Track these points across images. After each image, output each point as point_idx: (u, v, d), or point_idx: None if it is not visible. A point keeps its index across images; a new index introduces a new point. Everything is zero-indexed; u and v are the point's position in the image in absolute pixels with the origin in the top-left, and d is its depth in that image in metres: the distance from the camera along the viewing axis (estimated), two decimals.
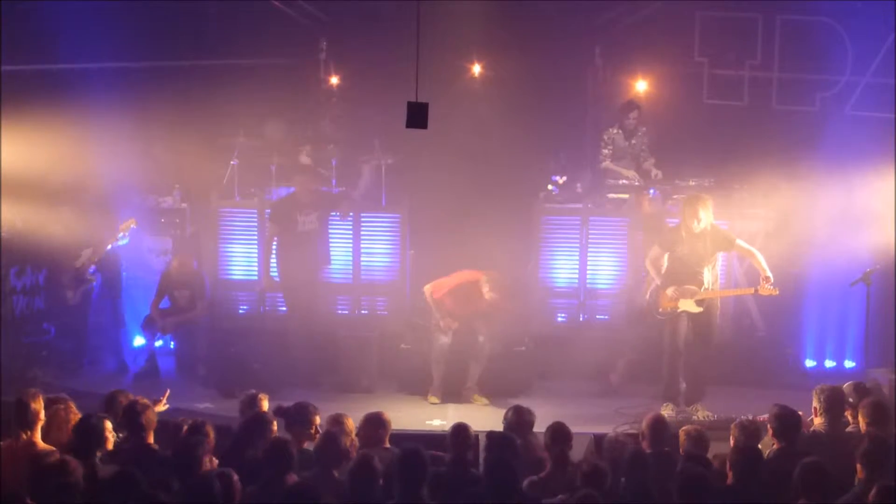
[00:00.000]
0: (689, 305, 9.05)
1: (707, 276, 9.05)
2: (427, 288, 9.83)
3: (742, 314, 10.36)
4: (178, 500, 5.49)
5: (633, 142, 11.14)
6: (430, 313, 9.79)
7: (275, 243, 10.27)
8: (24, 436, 6.39)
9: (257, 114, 11.56)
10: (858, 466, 5.84)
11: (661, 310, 9.19)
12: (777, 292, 9.04)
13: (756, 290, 9.12)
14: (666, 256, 9.18)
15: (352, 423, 6.80)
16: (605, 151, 11.14)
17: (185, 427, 6.61)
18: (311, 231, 10.26)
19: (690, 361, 9.25)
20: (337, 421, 6.74)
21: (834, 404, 6.87)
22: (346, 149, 11.27)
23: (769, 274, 8.92)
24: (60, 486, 5.37)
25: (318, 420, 6.84)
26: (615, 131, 11.15)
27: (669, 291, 8.99)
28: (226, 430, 6.90)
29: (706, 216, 8.94)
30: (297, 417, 6.80)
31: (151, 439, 6.54)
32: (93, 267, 10.33)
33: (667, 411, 8.95)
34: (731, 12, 12.10)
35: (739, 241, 9.14)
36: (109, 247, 10.33)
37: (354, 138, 11.38)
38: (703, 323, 9.15)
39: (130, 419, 6.52)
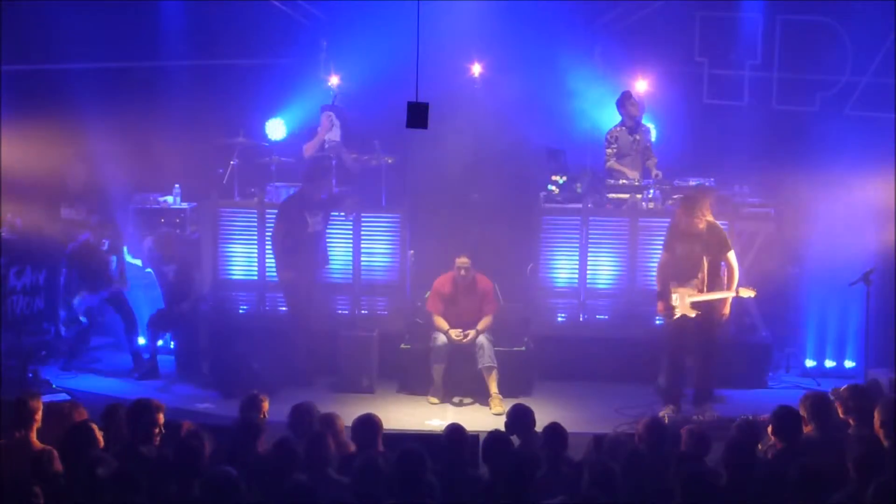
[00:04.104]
0: (685, 310, 9.06)
1: (704, 277, 9.05)
2: (428, 310, 10.01)
3: (742, 314, 10.35)
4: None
5: (638, 137, 11.14)
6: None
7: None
8: (19, 434, 6.39)
9: (257, 114, 11.59)
10: (851, 469, 5.84)
11: (659, 314, 9.21)
12: (754, 293, 9.18)
13: (737, 293, 9.13)
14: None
15: (342, 423, 6.82)
16: (610, 151, 11.14)
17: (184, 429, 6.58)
18: (319, 232, 10.28)
19: (697, 364, 9.26)
20: (328, 421, 6.76)
21: (820, 410, 6.84)
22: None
23: (733, 289, 9.08)
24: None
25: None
26: (619, 129, 11.16)
27: (672, 298, 9.04)
28: (226, 430, 6.88)
29: (702, 215, 8.97)
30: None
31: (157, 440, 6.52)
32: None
33: (666, 413, 8.96)
34: (731, 12, 12.10)
35: (731, 254, 9.18)
36: None
37: (354, 138, 11.37)
38: (706, 324, 9.15)
39: (140, 419, 6.49)
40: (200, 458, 5.90)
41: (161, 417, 6.47)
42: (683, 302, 9.03)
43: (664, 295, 9.20)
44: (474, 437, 6.66)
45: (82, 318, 10.54)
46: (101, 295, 10.53)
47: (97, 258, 10.52)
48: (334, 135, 11.10)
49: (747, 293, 9.16)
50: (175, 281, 10.50)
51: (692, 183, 10.62)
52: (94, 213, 10.83)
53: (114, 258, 10.59)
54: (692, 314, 9.04)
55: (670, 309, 9.10)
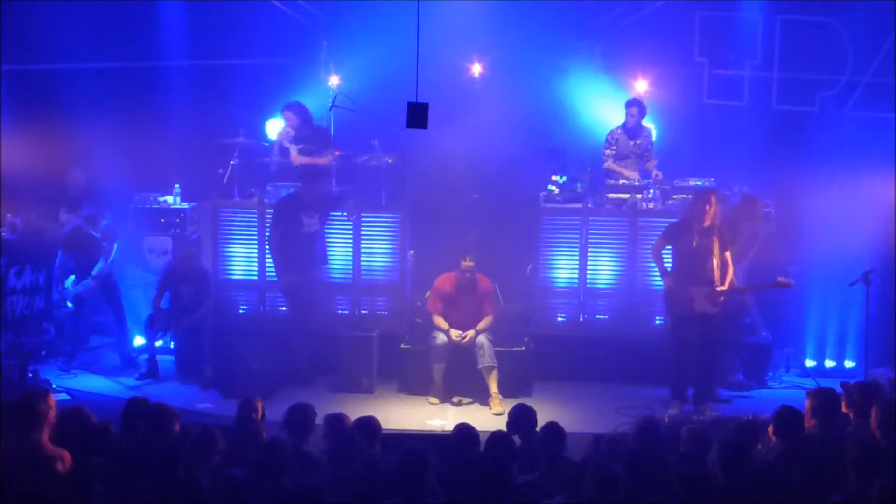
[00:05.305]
0: (705, 307, 9.08)
1: (716, 273, 9.12)
2: (428, 310, 10.01)
3: (742, 313, 10.36)
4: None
5: (639, 141, 11.17)
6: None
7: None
8: (30, 436, 6.35)
9: (257, 114, 11.59)
10: (850, 468, 5.84)
11: (677, 309, 9.24)
12: (793, 283, 9.41)
13: (776, 284, 9.32)
14: (671, 251, 9.37)
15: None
16: (608, 151, 11.17)
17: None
18: (316, 232, 10.27)
19: (700, 361, 9.28)
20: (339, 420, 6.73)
21: (827, 406, 6.85)
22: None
23: (723, 287, 9.22)
24: None
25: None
26: (619, 131, 11.18)
27: (693, 292, 9.11)
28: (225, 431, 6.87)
29: (714, 211, 9.10)
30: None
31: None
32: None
33: (673, 410, 8.98)
34: (731, 12, 12.11)
35: (728, 253, 9.32)
36: None
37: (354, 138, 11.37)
38: (714, 322, 9.20)
39: (156, 422, 6.45)
40: (209, 459, 5.90)
41: (177, 426, 6.40)
42: (701, 298, 9.09)
43: (663, 271, 9.39)
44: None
45: (69, 304, 10.53)
46: (91, 280, 10.49)
47: (89, 243, 10.54)
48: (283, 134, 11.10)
49: (786, 284, 9.38)
50: (189, 304, 10.43)
51: (692, 183, 10.63)
52: (86, 207, 10.80)
53: (104, 244, 10.59)
54: (715, 311, 9.11)
55: (684, 297, 9.14)
